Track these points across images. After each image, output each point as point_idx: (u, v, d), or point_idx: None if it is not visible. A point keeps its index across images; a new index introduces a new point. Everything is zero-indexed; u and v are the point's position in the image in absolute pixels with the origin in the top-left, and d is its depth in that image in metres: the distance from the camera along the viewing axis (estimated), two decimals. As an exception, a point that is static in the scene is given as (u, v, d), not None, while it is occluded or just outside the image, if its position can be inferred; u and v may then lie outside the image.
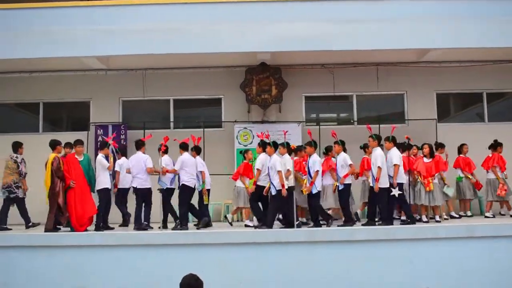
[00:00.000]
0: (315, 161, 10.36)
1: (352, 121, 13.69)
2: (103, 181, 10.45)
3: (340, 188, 10.46)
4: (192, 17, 11.79)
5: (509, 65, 13.31)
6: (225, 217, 11.67)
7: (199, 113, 14.14)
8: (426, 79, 13.41)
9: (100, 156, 10.54)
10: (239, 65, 13.08)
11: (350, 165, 10.52)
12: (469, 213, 12.05)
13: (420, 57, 12.91)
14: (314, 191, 10.20)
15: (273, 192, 10.21)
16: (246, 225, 11.20)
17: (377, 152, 10.22)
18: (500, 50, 12.10)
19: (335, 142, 10.82)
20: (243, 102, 13.10)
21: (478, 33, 11.64)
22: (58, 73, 13.38)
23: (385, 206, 10.12)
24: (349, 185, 10.60)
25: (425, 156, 11.04)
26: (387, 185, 10.02)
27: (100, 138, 12.97)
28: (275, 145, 10.59)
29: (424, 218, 10.88)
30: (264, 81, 12.83)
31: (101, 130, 13.20)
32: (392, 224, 10.09)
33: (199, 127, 13.30)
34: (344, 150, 10.89)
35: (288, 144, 10.77)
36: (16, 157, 11.00)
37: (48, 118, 13.88)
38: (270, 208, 10.35)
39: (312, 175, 10.23)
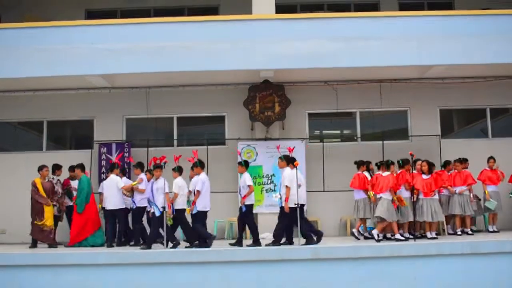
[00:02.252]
0: (246, 179, 10.67)
1: (355, 137, 13.75)
2: (120, 201, 11.12)
3: (243, 210, 10.56)
4: (196, 36, 11.93)
5: (512, 81, 13.37)
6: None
7: (203, 131, 14.25)
8: (429, 95, 13.47)
9: (114, 176, 11.05)
10: (242, 83, 13.16)
11: (249, 186, 10.61)
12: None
13: (423, 74, 12.98)
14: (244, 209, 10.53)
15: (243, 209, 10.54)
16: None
17: (286, 172, 10.55)
18: (503, 66, 12.19)
19: (279, 157, 10.96)
20: (247, 120, 13.17)
21: (481, 50, 11.75)
22: (62, 92, 13.50)
23: (283, 226, 10.52)
24: (251, 205, 10.73)
25: (423, 173, 11.11)
26: (293, 204, 10.36)
27: (103, 157, 13.07)
28: (246, 164, 10.94)
29: (428, 235, 10.94)
30: (267, 98, 12.88)
31: (105, 148, 13.28)
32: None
33: (203, 144, 13.37)
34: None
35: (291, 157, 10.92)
36: (53, 178, 11.62)
37: (52, 136, 13.96)
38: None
39: (244, 193, 10.53)
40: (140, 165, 11.48)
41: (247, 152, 13.10)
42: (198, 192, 10.29)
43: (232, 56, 11.78)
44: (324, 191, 12.88)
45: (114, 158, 12.99)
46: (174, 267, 9.55)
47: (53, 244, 11.10)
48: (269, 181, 13.04)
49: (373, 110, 13.70)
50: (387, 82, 13.37)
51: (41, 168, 11.41)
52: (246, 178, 10.70)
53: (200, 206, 10.29)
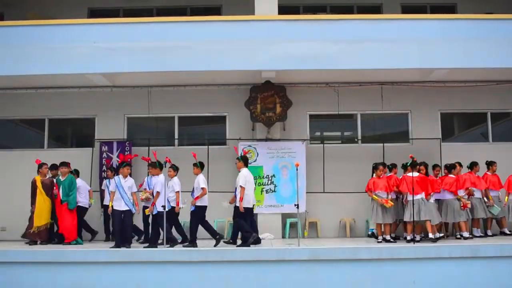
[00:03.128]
0: (240, 177, 10.80)
1: (356, 139, 13.77)
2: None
3: (191, 209, 10.70)
4: (198, 35, 11.98)
5: (514, 86, 13.38)
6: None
7: (204, 131, 14.26)
8: (430, 99, 13.46)
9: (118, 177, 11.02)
10: (243, 83, 13.15)
11: (202, 188, 10.70)
12: None
13: (424, 77, 12.98)
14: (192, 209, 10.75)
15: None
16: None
17: (242, 172, 10.79)
18: (504, 70, 12.20)
19: (237, 158, 11.19)
20: (248, 120, 13.16)
21: (483, 54, 11.80)
22: (63, 90, 13.49)
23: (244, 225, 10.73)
24: (204, 207, 10.80)
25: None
26: (250, 205, 10.79)
27: (104, 155, 13.08)
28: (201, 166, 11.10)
29: (417, 237, 10.96)
30: (269, 99, 12.87)
31: (106, 147, 13.30)
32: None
33: (204, 144, 13.42)
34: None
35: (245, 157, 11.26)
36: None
37: (53, 134, 13.97)
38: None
39: (196, 194, 10.68)
40: (160, 165, 11.24)
41: (248, 152, 13.09)
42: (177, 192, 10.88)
43: (234, 56, 11.81)
44: (324, 192, 12.88)
45: (114, 156, 13.02)
46: (174, 266, 9.60)
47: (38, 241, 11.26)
48: (270, 181, 13.06)
49: (374, 112, 13.69)
50: (388, 84, 13.37)
51: (40, 166, 11.48)
52: (199, 180, 10.86)
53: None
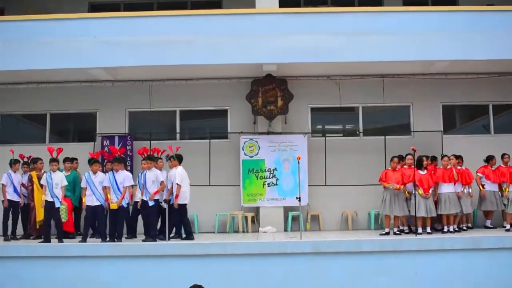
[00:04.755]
0: (176, 174, 10.85)
1: (357, 132, 13.74)
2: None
3: (150, 204, 10.64)
4: (199, 29, 11.93)
5: (515, 78, 13.35)
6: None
7: (205, 124, 14.23)
8: (432, 91, 13.42)
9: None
10: (245, 77, 13.11)
11: (161, 182, 10.75)
12: None
13: (426, 69, 12.96)
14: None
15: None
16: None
17: (178, 170, 10.86)
18: (506, 62, 12.13)
19: (171, 156, 11.20)
20: (249, 114, 13.13)
21: (485, 45, 11.74)
22: (65, 85, 13.46)
23: (181, 222, 10.98)
24: (158, 201, 10.79)
25: (419, 168, 11.10)
26: (186, 201, 10.90)
27: (106, 149, 13.06)
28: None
29: (428, 229, 10.97)
30: (270, 92, 12.85)
31: (108, 141, 13.28)
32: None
33: (205, 138, 13.40)
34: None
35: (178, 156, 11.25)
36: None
37: (55, 129, 13.97)
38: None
39: (175, 188, 10.76)
40: (179, 158, 11.32)
41: (249, 146, 13.11)
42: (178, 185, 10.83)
43: (235, 50, 11.76)
44: (326, 185, 12.87)
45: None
46: (175, 260, 9.62)
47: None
48: (271, 175, 13.03)
49: (375, 105, 13.66)
50: (390, 77, 13.33)
51: (35, 161, 11.53)
52: (158, 174, 10.84)
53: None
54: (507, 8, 12.30)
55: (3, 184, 11.25)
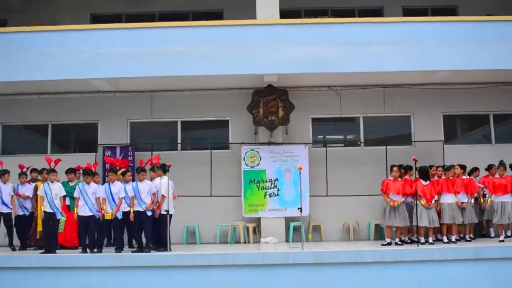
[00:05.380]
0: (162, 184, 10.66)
1: (359, 142, 13.76)
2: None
3: (149, 215, 10.54)
4: (200, 40, 12.01)
5: (516, 88, 13.37)
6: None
7: (207, 135, 14.23)
8: (433, 101, 13.48)
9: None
10: (246, 87, 13.15)
11: (153, 193, 10.65)
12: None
13: (426, 79, 12.98)
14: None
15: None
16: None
17: (164, 180, 10.68)
18: (506, 72, 12.18)
19: (156, 167, 11.09)
20: (250, 124, 13.17)
21: (485, 55, 11.81)
22: (66, 95, 13.51)
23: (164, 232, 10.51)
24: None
25: (422, 178, 11.10)
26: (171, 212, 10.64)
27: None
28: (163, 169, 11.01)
29: (430, 240, 10.95)
30: (271, 103, 12.89)
31: (109, 152, 13.31)
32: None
33: (206, 148, 13.43)
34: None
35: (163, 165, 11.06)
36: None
37: (56, 139, 14.01)
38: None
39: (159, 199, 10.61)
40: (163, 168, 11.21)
41: (250, 156, 13.13)
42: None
43: (236, 60, 11.83)
44: (327, 195, 12.86)
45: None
46: (177, 271, 9.56)
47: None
48: (273, 185, 13.05)
49: (376, 115, 13.70)
50: (390, 87, 13.37)
51: (41, 172, 11.51)
52: (163, 184, 10.69)
53: None
54: (507, 18, 12.36)
55: None
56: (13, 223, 11.57)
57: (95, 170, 11.38)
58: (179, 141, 13.79)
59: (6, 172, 11.44)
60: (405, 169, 11.56)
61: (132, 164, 13.11)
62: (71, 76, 11.89)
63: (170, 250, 10.43)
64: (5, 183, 11.37)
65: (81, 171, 11.42)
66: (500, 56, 11.80)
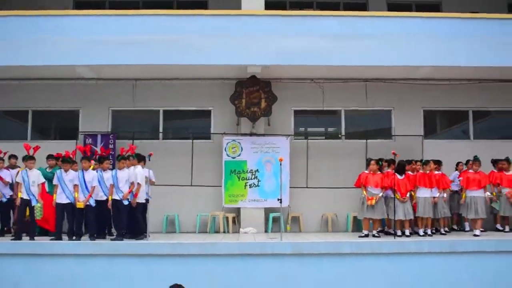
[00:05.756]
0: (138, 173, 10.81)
1: (340, 135, 13.86)
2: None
3: (125, 204, 10.62)
4: (184, 29, 11.97)
5: (495, 84, 13.55)
6: None
7: (188, 125, 14.22)
8: (413, 96, 13.59)
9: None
10: (229, 78, 13.14)
11: (132, 182, 10.70)
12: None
13: (409, 74, 13.08)
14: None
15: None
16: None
17: (139, 170, 10.89)
18: (487, 69, 12.36)
19: (131, 156, 11.18)
20: (232, 115, 13.17)
21: (467, 52, 11.97)
22: (47, 81, 13.37)
23: (140, 219, 10.70)
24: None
25: (398, 173, 11.28)
26: (143, 200, 10.73)
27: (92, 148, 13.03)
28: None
29: (406, 232, 11.11)
30: (254, 94, 12.90)
31: (90, 139, 13.25)
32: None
33: (188, 138, 13.43)
34: None
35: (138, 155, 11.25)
36: None
37: (37, 126, 13.89)
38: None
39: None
40: (139, 157, 11.31)
41: (232, 147, 13.17)
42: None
43: (220, 51, 11.82)
44: (307, 187, 12.96)
45: (99, 149, 13.00)
46: (157, 259, 9.61)
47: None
48: (253, 176, 13.10)
49: (358, 108, 13.78)
50: (372, 81, 13.46)
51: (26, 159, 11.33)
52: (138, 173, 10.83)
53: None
54: (489, 16, 12.53)
55: None
56: None
57: (73, 158, 11.36)
58: (161, 130, 13.76)
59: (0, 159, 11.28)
60: (388, 163, 11.70)
61: (113, 152, 13.08)
62: (53, 62, 11.83)
63: (148, 236, 10.44)
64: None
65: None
66: (483, 53, 11.95)
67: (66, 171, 10.61)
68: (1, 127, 13.92)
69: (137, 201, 10.72)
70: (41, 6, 12.65)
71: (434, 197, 11.36)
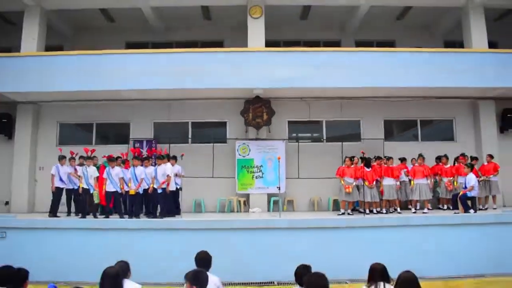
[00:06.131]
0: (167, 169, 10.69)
1: (322, 139, 13.80)
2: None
3: (159, 191, 10.55)
4: (206, 62, 12.01)
5: (436, 100, 13.45)
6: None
7: (210, 132, 14.12)
8: (376, 110, 13.50)
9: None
10: (239, 97, 13.08)
11: (167, 175, 10.58)
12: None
13: (372, 93, 13.00)
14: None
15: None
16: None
17: (167, 166, 10.75)
18: (430, 89, 12.31)
19: (162, 156, 11.12)
20: (242, 125, 13.16)
21: (415, 76, 11.94)
22: (107, 102, 13.34)
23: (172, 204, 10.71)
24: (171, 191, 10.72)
25: (366, 166, 11.27)
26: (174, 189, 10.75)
27: (142, 151, 13.01)
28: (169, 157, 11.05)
29: (374, 211, 11.08)
30: (258, 109, 12.89)
31: (138, 144, 13.25)
32: None
33: (210, 142, 13.39)
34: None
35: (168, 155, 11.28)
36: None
37: (99, 134, 13.87)
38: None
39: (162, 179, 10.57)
40: (168, 157, 11.27)
41: (242, 148, 13.12)
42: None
43: (233, 77, 11.84)
44: (298, 178, 12.91)
45: (145, 151, 12.99)
46: (188, 232, 9.59)
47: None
48: (259, 170, 13.05)
49: (335, 119, 13.70)
50: (346, 99, 13.38)
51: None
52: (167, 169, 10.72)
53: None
54: (432, 50, 12.57)
55: (52, 174, 11.03)
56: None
57: (126, 157, 11.35)
58: (189, 136, 13.73)
59: (63, 157, 11.32)
60: (362, 160, 11.61)
61: (155, 153, 13.05)
62: (111, 87, 11.89)
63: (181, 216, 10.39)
64: (62, 165, 11.24)
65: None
66: (427, 77, 11.93)
67: (112, 167, 10.57)
68: (73, 135, 13.94)
69: (170, 189, 10.65)
70: (101, 47, 12.72)
71: (397, 185, 11.30)
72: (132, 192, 10.45)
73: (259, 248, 9.49)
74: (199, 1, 13.26)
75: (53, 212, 10.89)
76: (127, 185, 10.53)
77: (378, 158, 11.76)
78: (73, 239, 9.50)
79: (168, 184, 10.61)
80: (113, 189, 10.48)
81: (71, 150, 11.68)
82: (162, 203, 10.58)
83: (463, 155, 12.04)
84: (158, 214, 10.49)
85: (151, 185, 10.53)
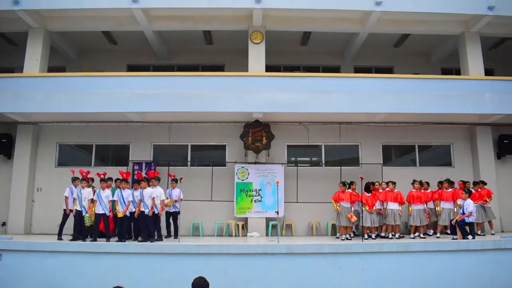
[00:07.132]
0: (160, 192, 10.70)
1: (321, 164, 13.77)
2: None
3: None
4: (207, 86, 12.05)
5: (434, 125, 13.52)
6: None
7: (209, 155, 14.09)
8: (375, 135, 13.52)
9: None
10: (239, 121, 13.13)
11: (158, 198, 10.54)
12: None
13: (371, 119, 13.05)
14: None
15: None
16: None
17: (158, 189, 10.64)
18: (426, 115, 12.34)
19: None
20: (241, 148, 13.14)
21: (412, 102, 11.97)
22: (106, 124, 13.38)
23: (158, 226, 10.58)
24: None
25: (366, 191, 11.27)
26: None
27: (136, 172, 12.96)
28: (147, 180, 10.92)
29: (373, 236, 10.99)
30: (257, 133, 12.89)
31: (137, 166, 13.20)
32: None
33: (209, 165, 13.36)
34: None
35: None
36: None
37: (98, 156, 13.83)
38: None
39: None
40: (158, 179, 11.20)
41: (241, 172, 13.07)
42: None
43: (233, 101, 11.84)
44: (297, 202, 12.83)
45: (144, 173, 12.94)
46: (184, 257, 9.47)
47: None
48: (257, 194, 12.97)
49: (334, 144, 13.71)
50: (344, 124, 13.42)
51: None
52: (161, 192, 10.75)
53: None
54: (429, 77, 12.70)
55: (66, 196, 10.72)
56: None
57: (128, 178, 11.28)
58: (189, 159, 13.69)
59: (76, 178, 10.95)
60: (349, 184, 11.54)
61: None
62: (111, 109, 11.86)
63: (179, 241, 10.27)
64: (75, 187, 10.87)
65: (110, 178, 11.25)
66: (424, 103, 11.97)
67: (103, 189, 10.47)
68: (73, 156, 13.91)
69: (155, 211, 10.48)
70: (103, 69, 12.81)
71: (399, 210, 11.27)
72: (120, 214, 10.37)
73: (257, 273, 9.35)
74: (201, 26, 13.43)
75: (75, 236, 10.46)
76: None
77: (372, 183, 11.76)
78: (71, 263, 9.39)
79: (161, 208, 10.57)
80: (101, 211, 10.39)
81: (81, 170, 11.54)
82: (150, 226, 10.43)
83: (462, 181, 12.01)
84: (155, 237, 10.37)
85: (138, 208, 10.41)
